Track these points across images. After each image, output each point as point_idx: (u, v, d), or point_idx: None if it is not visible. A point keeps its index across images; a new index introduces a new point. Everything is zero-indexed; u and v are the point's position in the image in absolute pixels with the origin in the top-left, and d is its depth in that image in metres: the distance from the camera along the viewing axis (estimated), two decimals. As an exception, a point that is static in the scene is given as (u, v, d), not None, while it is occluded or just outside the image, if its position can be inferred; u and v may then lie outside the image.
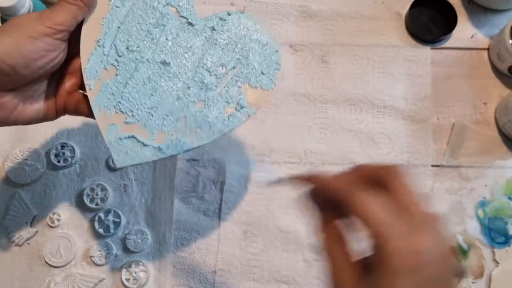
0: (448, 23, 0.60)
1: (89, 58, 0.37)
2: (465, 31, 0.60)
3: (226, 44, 0.38)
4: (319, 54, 0.59)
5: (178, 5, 0.39)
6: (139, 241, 0.51)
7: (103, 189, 0.53)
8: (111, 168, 0.54)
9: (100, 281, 0.50)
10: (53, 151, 0.54)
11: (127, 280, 0.50)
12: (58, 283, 0.50)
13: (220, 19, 0.39)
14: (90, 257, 0.51)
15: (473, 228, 0.51)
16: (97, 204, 0.52)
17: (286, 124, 0.56)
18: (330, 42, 0.59)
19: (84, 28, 0.37)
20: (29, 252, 0.51)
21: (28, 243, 0.51)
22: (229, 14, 0.39)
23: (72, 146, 0.55)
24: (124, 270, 0.50)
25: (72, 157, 0.54)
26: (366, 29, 0.60)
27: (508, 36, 0.55)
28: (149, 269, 0.50)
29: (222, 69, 0.38)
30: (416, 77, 0.58)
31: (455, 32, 0.59)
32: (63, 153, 0.54)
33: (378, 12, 0.60)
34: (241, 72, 0.38)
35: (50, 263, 0.50)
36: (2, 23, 0.51)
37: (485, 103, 0.57)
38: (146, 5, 0.38)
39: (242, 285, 0.50)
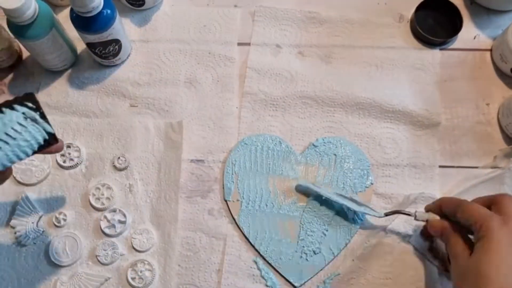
0: (454, 25, 0.60)
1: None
2: (467, 32, 0.60)
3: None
4: (328, 59, 0.59)
5: None
6: (145, 240, 0.52)
7: (109, 188, 0.53)
8: (116, 168, 0.54)
9: (106, 280, 0.51)
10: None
11: (133, 279, 0.50)
12: (65, 282, 0.50)
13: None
14: (96, 256, 0.51)
15: None
16: (102, 204, 0.53)
17: (293, 127, 0.56)
18: (339, 48, 0.60)
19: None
20: (36, 252, 0.51)
21: (35, 243, 0.52)
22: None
23: (77, 147, 0.55)
24: (129, 269, 0.51)
25: (78, 157, 0.55)
26: (375, 35, 0.60)
27: (511, 37, 0.55)
28: (155, 268, 0.51)
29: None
30: (425, 81, 0.58)
31: (459, 33, 0.59)
32: (69, 154, 0.55)
33: (386, 18, 0.61)
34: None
35: (56, 262, 0.51)
36: (8, 25, 0.51)
37: (487, 104, 0.57)
38: None
39: (248, 285, 0.50)
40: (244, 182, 0.53)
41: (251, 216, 0.52)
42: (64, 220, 0.52)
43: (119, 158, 0.55)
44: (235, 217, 0.52)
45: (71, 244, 0.51)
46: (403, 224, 0.52)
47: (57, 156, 0.54)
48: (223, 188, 0.54)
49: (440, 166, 0.54)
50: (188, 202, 0.53)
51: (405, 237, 0.51)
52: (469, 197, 0.52)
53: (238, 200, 0.53)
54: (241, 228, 0.52)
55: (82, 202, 0.53)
